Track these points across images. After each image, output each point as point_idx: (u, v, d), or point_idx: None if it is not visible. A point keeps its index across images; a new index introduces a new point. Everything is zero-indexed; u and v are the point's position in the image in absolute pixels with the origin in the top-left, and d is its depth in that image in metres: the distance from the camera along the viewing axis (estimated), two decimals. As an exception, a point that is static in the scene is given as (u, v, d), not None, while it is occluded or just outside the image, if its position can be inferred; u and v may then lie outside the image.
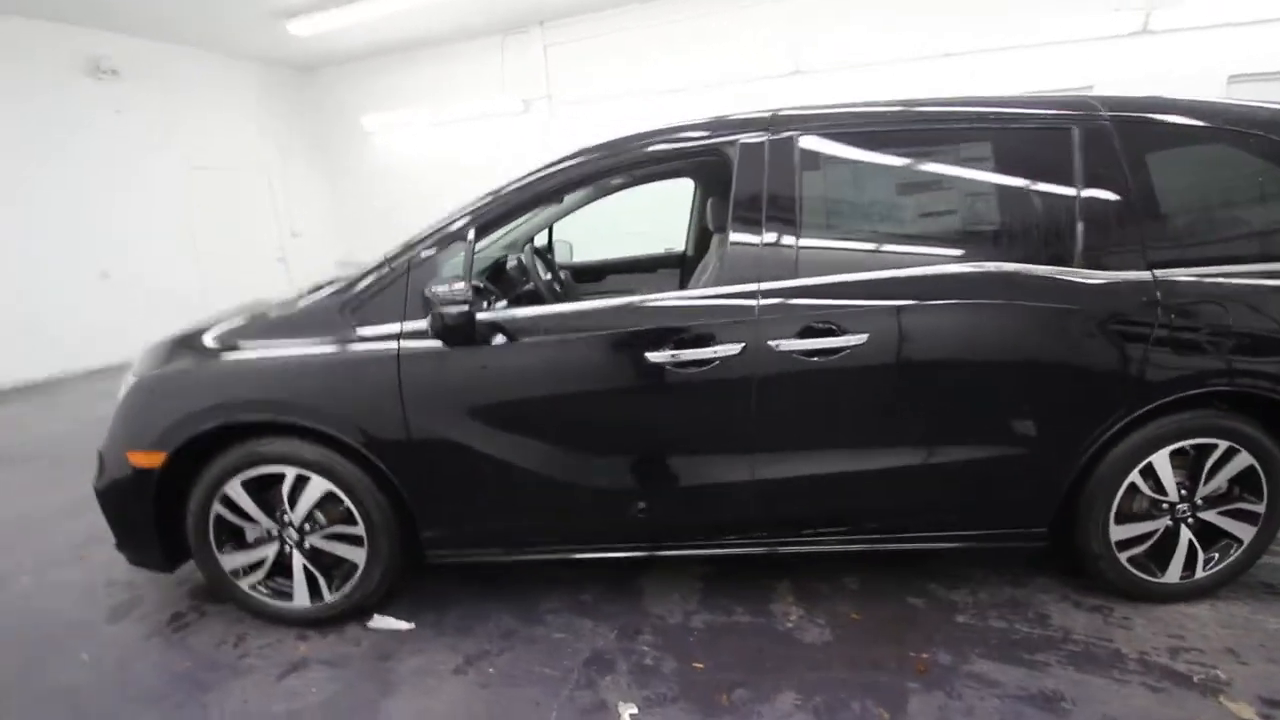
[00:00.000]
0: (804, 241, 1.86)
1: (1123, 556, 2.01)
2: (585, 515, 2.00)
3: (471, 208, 1.99)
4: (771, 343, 1.81)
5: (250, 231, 7.88)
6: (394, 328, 1.89)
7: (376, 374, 1.88)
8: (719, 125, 1.99)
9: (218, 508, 2.01)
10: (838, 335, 1.80)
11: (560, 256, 3.54)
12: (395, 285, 1.92)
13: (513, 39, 6.73)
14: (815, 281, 1.83)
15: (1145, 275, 1.82)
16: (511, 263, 2.59)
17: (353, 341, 1.90)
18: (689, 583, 2.27)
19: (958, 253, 1.90)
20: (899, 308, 1.81)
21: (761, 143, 1.90)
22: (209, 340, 2.05)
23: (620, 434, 1.93)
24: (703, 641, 1.97)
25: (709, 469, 1.92)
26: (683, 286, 3.47)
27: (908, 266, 1.87)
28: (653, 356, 1.82)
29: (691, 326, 1.83)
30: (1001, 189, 1.91)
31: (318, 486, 1.97)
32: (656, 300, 1.90)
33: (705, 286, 2.45)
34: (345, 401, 1.89)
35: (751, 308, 1.83)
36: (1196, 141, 1.92)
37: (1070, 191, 1.86)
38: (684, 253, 3.56)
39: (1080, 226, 1.85)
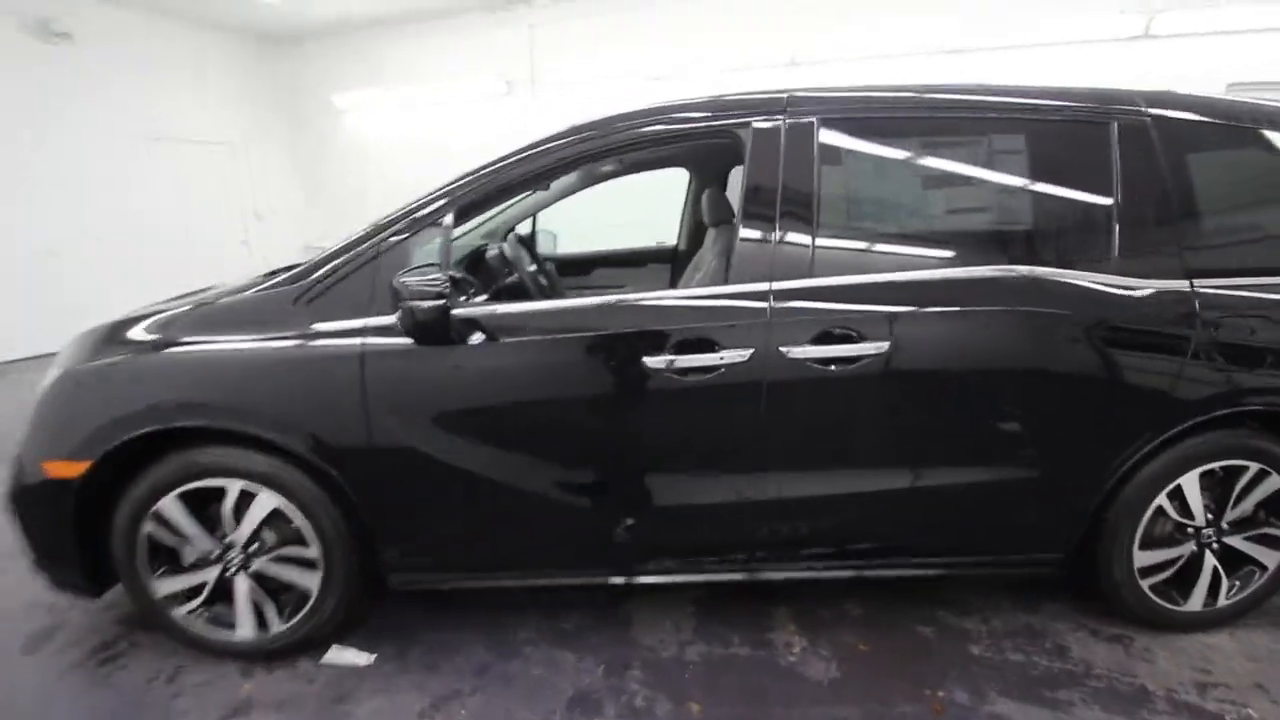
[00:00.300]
0: (821, 238, 1.68)
1: (1145, 584, 1.89)
2: (567, 536, 1.81)
3: (449, 188, 1.76)
4: (784, 349, 1.62)
5: (212, 211, 7.45)
6: (357, 323, 1.65)
7: (336, 375, 1.65)
8: (728, 106, 1.79)
9: (149, 526, 1.76)
10: (857, 342, 1.62)
11: (544, 248, 3.32)
12: (360, 274, 1.68)
13: (496, 17, 6.44)
14: (833, 282, 1.65)
15: (1183, 285, 1.69)
16: (492, 252, 2.37)
17: (309, 337, 1.66)
18: (680, 608, 2.08)
19: (985, 254, 1.74)
20: (922, 314, 1.64)
21: (777, 127, 1.70)
22: (144, 332, 1.79)
23: (611, 448, 1.73)
24: (699, 678, 1.79)
25: (710, 487, 1.74)
26: (674, 282, 3.30)
27: (932, 268, 1.71)
28: (650, 362, 1.63)
29: (695, 329, 1.64)
30: (1035, 186, 1.75)
31: (265, 502, 1.73)
32: (656, 299, 1.70)
33: (701, 284, 2.28)
34: (299, 406, 1.66)
35: (762, 310, 1.64)
36: (1237, 144, 1.79)
37: (1107, 191, 1.71)
38: (675, 247, 3.36)
39: (1116, 230, 1.70)
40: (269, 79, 7.79)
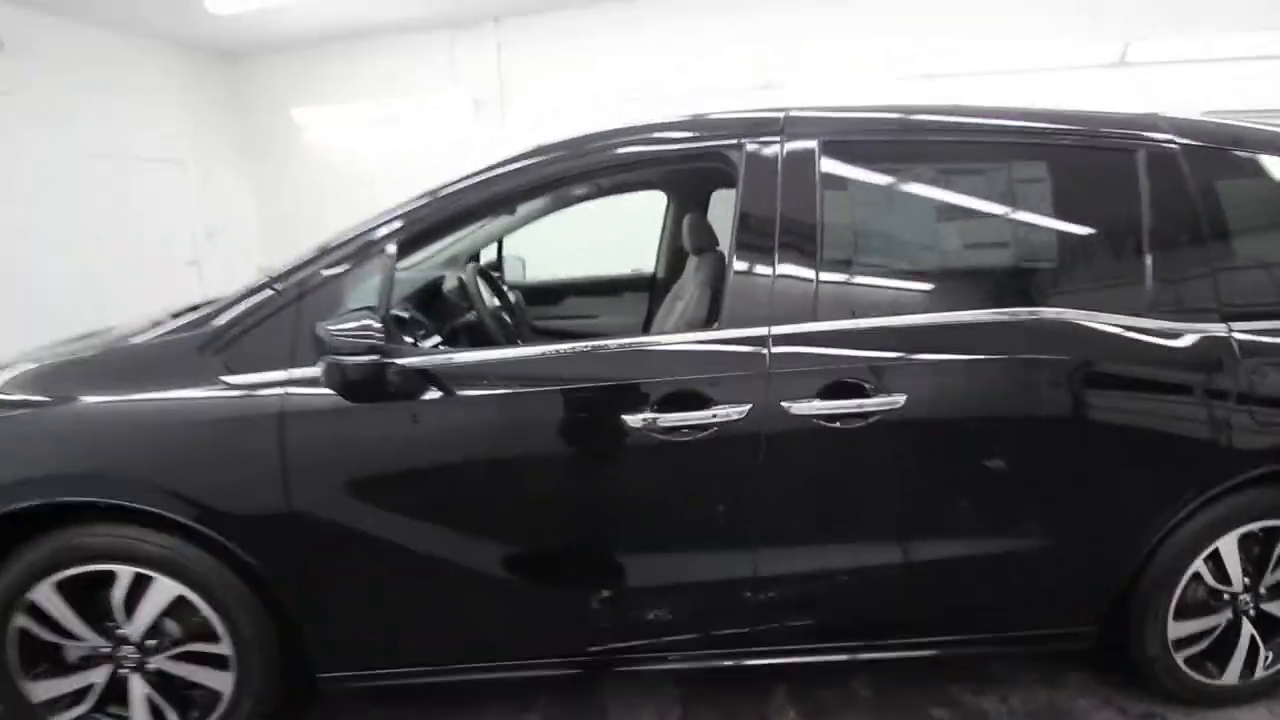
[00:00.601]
0: (825, 276, 1.47)
1: (1179, 656, 1.70)
2: (528, 621, 1.55)
3: (395, 214, 1.51)
4: (785, 404, 1.40)
5: (158, 230, 7.00)
6: (277, 375, 1.38)
7: (249, 438, 1.37)
8: (717, 126, 1.58)
9: (21, 620, 1.44)
10: (870, 396, 1.41)
11: (511, 275, 3.08)
12: (280, 317, 1.41)
13: (463, 35, 6.22)
14: (840, 327, 1.44)
15: (1220, 329, 1.53)
16: (450, 284, 2.11)
17: (216, 393, 1.38)
18: (664, 691, 1.81)
19: (1007, 294, 1.56)
20: (941, 362, 1.45)
21: (773, 150, 1.50)
22: (16, 386, 1.49)
23: (583, 519, 1.49)
24: (687, 783, 1.53)
25: (700, 562, 1.50)
26: (652, 312, 3.08)
27: (949, 309, 1.51)
28: (632, 420, 1.38)
29: (683, 382, 1.40)
30: (1060, 218, 1.58)
31: (165, 590, 1.43)
32: (635, 346, 1.47)
33: (684, 315, 2.07)
34: (202, 476, 1.38)
35: (760, 357, 1.42)
36: (1268, 175, 1.65)
37: (1136, 226, 1.55)
38: (653, 274, 3.15)
39: (1148, 269, 1.54)
40: (222, 93, 7.43)
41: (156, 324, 1.55)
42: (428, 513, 1.42)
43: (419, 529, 1.42)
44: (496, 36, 6.14)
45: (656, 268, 3.16)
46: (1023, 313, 1.51)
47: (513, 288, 2.92)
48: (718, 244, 2.51)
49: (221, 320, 1.42)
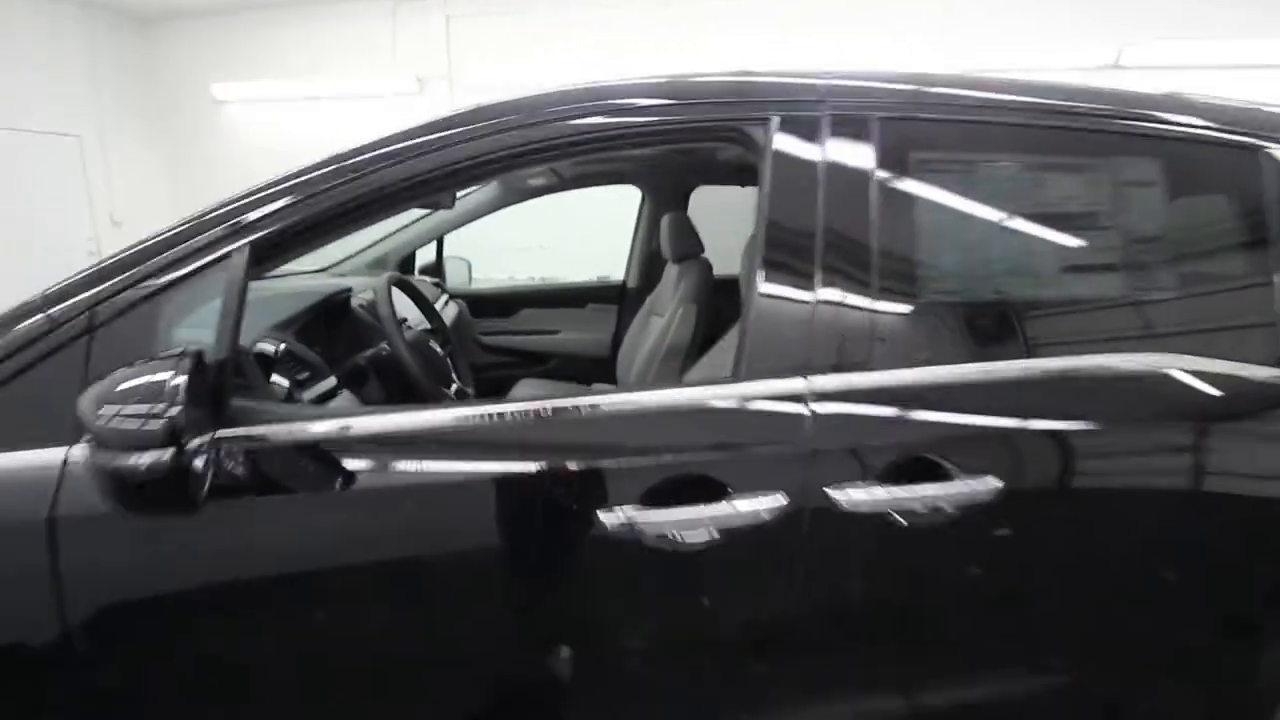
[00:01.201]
0: (883, 306, 1.04)
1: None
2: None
3: (252, 198, 1.01)
4: (833, 492, 0.97)
5: (52, 215, 6.17)
6: (50, 455, 0.86)
7: (3, 552, 0.86)
8: (733, 92, 1.14)
9: None
10: (950, 479, 0.99)
11: (454, 280, 2.58)
12: (59, 361, 0.88)
13: (407, 4, 5.64)
14: (910, 379, 1.02)
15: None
16: (363, 296, 1.59)
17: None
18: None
19: (1108, 334, 1.18)
20: (1042, 433, 1.05)
21: (814, 128, 1.07)
22: None
23: (538, 667, 1.03)
24: None
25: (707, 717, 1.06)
26: (621, 329, 2.64)
27: (1043, 353, 1.12)
28: (609, 520, 0.93)
29: (686, 463, 0.96)
30: (1175, 234, 1.21)
31: None
32: (616, 406, 1.01)
33: (663, 334, 1.66)
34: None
35: (799, 421, 0.98)
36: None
37: (1262, 247, 1.19)
38: (623, 284, 2.70)
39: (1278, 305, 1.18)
40: (131, 62, 6.62)
41: None
42: (283, 657, 0.93)
43: (270, 682, 0.93)
44: (445, 8, 5.60)
45: (627, 275, 2.72)
46: (1123, 360, 1.13)
47: (454, 297, 2.43)
48: (702, 250, 2.10)
49: (-48, 365, 0.89)
